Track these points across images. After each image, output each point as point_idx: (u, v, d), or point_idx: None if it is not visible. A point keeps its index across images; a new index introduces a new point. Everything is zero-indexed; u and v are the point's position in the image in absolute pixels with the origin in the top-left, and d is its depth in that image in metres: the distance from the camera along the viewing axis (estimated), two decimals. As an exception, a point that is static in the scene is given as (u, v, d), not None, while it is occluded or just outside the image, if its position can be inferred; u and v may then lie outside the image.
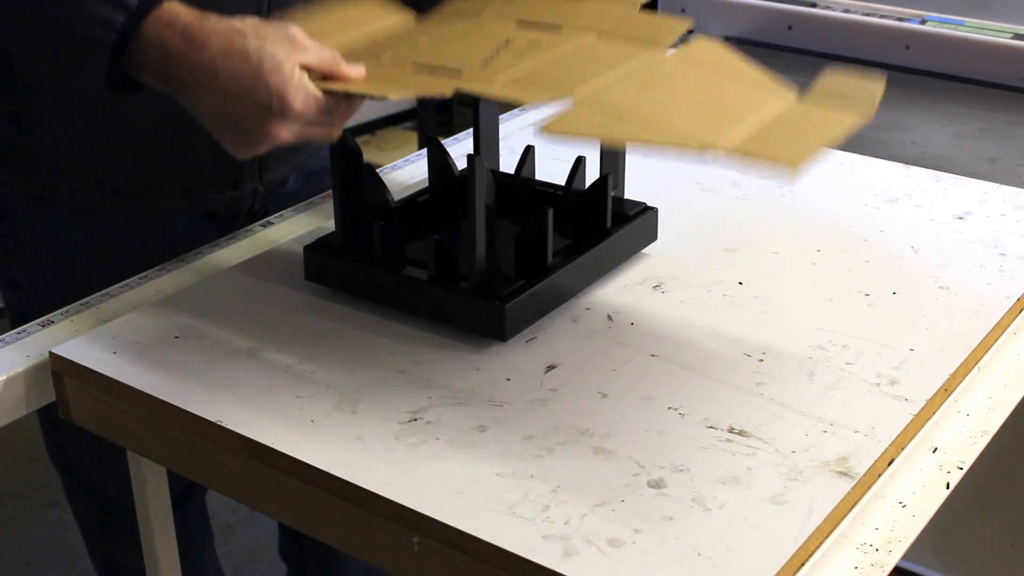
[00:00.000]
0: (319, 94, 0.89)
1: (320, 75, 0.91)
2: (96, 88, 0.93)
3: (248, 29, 0.89)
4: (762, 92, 0.98)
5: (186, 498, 1.41)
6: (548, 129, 0.88)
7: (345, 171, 1.04)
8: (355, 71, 0.92)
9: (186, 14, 0.90)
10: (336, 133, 0.94)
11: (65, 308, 1.08)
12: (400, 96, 0.93)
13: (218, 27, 0.89)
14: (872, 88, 0.97)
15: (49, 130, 1.13)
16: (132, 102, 1.00)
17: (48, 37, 0.92)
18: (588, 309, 1.04)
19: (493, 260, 1.00)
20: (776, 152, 0.86)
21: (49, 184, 1.17)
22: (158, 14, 0.89)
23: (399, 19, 1.08)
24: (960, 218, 1.22)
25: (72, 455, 1.34)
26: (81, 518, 1.42)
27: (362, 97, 0.93)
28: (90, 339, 1.00)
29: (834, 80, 0.99)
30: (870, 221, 1.21)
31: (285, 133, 0.89)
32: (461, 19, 1.02)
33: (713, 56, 1.03)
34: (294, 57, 0.88)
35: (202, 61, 0.88)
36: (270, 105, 0.87)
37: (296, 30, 0.91)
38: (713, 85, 0.98)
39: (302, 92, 0.88)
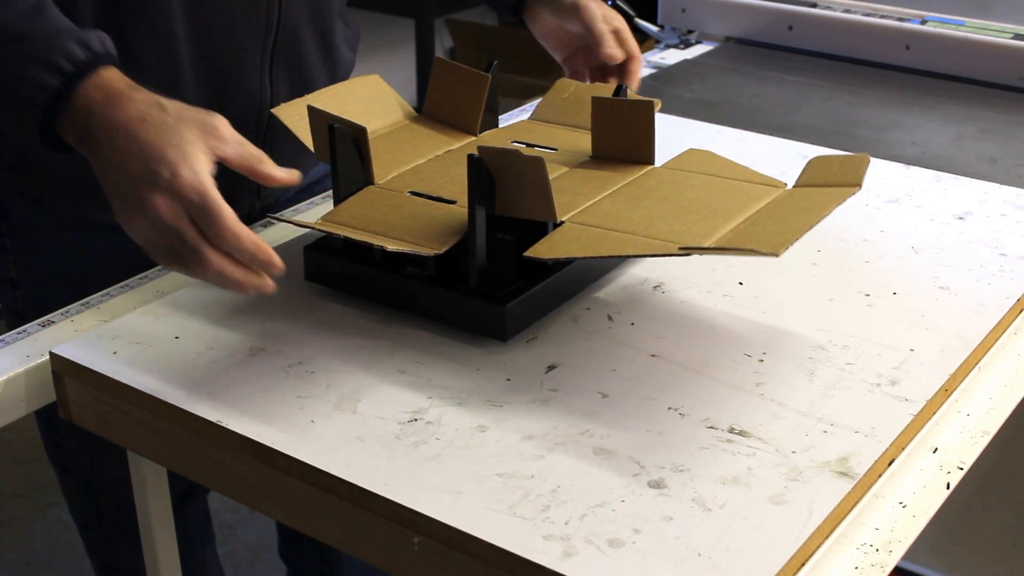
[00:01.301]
0: (207, 188, 0.87)
1: (240, 169, 0.91)
2: (31, 144, 0.93)
3: (171, 107, 0.90)
4: (753, 187, 1.01)
5: (188, 498, 1.41)
6: (533, 254, 0.94)
7: (345, 171, 1.04)
8: (279, 173, 0.92)
9: (119, 80, 0.91)
10: (210, 258, 0.87)
11: (65, 308, 1.08)
12: (394, 248, 0.95)
13: (144, 97, 0.90)
14: (858, 162, 1.00)
15: None
16: None
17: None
18: (588, 309, 1.04)
19: (493, 260, 1.00)
20: (759, 241, 0.90)
21: (45, 192, 1.17)
22: (93, 79, 0.91)
23: (396, 116, 1.14)
24: (960, 218, 1.22)
25: (69, 453, 1.34)
26: (79, 516, 1.42)
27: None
28: (90, 339, 1.00)
29: (820, 164, 1.02)
30: (870, 221, 1.21)
31: (163, 206, 0.86)
32: (456, 137, 1.04)
33: (704, 162, 1.07)
34: (207, 143, 0.89)
35: (117, 121, 0.89)
36: (158, 174, 0.86)
37: (222, 122, 0.91)
38: (701, 187, 1.04)
39: (193, 176, 0.86)
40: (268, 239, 1.19)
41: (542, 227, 0.99)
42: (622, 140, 1.09)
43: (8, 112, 0.93)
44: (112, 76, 0.92)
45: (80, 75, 0.91)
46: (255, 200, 1.24)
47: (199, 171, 0.87)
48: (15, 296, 1.25)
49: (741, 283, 1.08)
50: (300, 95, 1.12)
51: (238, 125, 0.94)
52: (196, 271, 0.88)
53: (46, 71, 0.90)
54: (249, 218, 1.26)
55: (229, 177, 0.95)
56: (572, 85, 1.23)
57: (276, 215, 1.13)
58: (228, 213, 0.87)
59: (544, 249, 0.95)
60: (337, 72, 1.28)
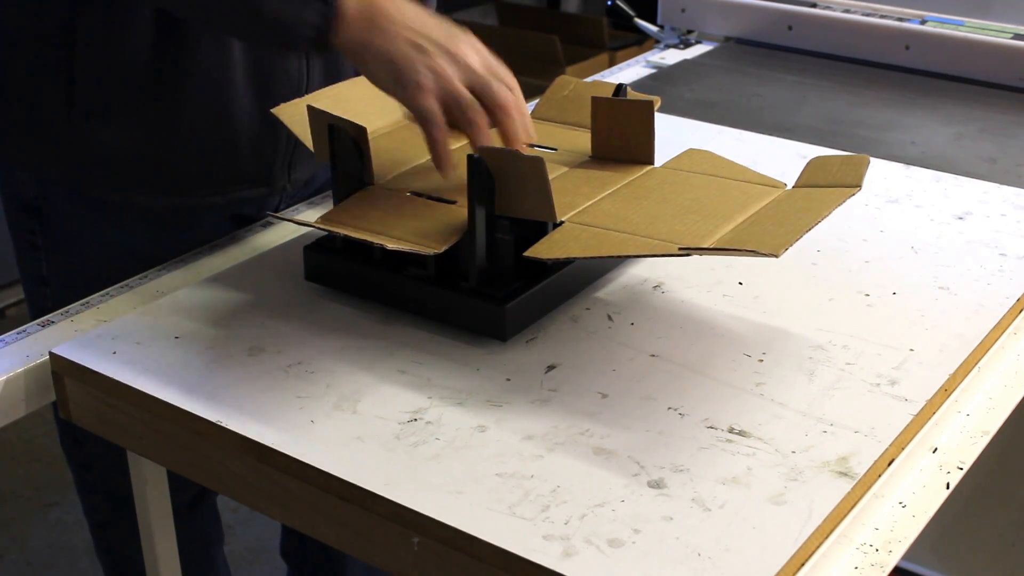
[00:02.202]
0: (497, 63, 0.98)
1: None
2: (298, 49, 1.02)
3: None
4: (752, 187, 1.02)
5: (202, 497, 1.41)
6: (533, 254, 0.94)
7: (345, 170, 1.04)
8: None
9: None
10: (478, 133, 0.98)
11: (65, 308, 1.08)
12: (394, 247, 0.95)
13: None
14: (858, 163, 1.01)
15: (103, 123, 1.14)
16: (185, 97, 1.10)
17: (269, 26, 0.98)
18: (588, 309, 1.04)
19: (493, 260, 1.00)
20: (759, 242, 0.90)
21: (93, 178, 1.17)
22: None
23: (396, 116, 1.14)
24: (960, 218, 1.22)
25: (89, 450, 1.34)
26: (94, 515, 1.42)
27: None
28: (90, 339, 1.00)
29: (820, 164, 1.03)
30: (870, 221, 1.21)
31: (457, 66, 0.97)
32: (456, 137, 1.05)
33: (704, 162, 1.08)
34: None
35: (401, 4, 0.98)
36: (458, 37, 0.97)
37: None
38: (701, 187, 1.04)
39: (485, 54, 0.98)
40: (268, 239, 1.19)
41: (542, 227, 0.99)
42: (621, 140, 1.09)
43: (266, 36, 1.00)
44: None
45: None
46: (286, 182, 1.24)
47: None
48: (44, 294, 1.26)
49: (741, 283, 1.08)
50: (332, 80, 1.15)
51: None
52: (473, 128, 0.97)
53: (309, 2, 0.95)
54: (281, 199, 1.28)
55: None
56: (571, 83, 1.23)
57: (276, 214, 1.13)
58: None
59: (544, 249, 0.95)
60: None
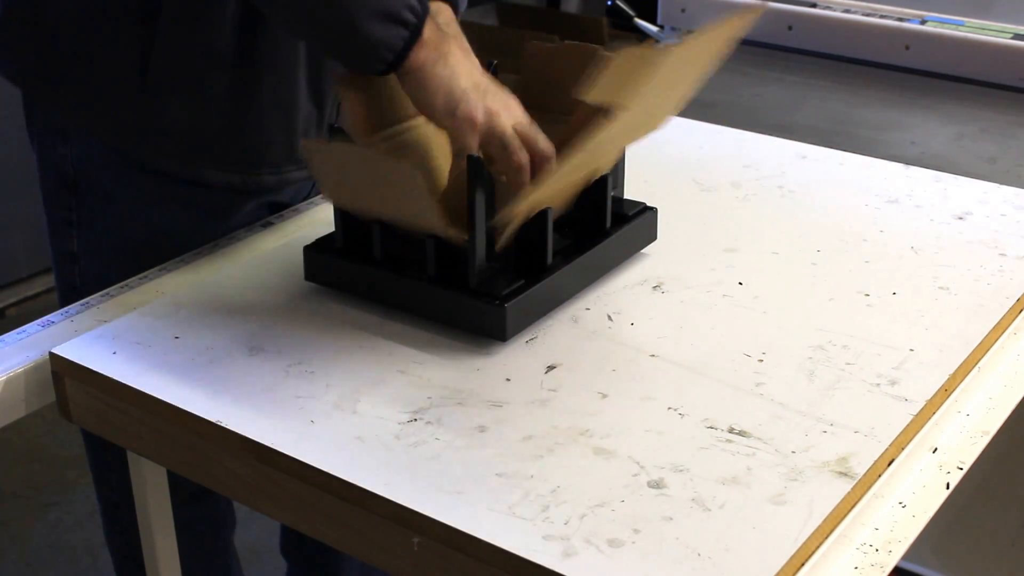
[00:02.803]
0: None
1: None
2: (369, 66, 1.02)
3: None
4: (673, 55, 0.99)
5: None
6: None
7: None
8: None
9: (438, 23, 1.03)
10: (521, 175, 1.01)
11: (65, 308, 1.08)
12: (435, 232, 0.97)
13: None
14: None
15: (173, 97, 1.15)
16: (256, 79, 1.15)
17: (347, 41, 1.01)
18: (588, 309, 1.04)
19: (493, 260, 1.00)
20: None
21: (158, 149, 1.18)
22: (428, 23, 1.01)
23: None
24: (960, 218, 1.22)
25: None
26: (110, 496, 1.40)
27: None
28: (90, 339, 1.00)
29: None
30: (870, 221, 1.21)
31: (504, 115, 1.02)
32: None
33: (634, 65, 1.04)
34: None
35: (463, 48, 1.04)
36: (510, 93, 1.04)
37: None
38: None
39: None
40: (268, 239, 1.19)
41: (542, 227, 1.00)
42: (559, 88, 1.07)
43: (350, 54, 1.02)
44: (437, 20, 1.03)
45: (420, 24, 0.99)
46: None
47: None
48: (73, 271, 1.26)
49: (741, 283, 1.08)
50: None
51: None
52: (508, 165, 1.00)
53: (397, 26, 0.98)
54: (312, 188, 1.31)
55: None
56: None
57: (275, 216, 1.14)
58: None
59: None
60: None
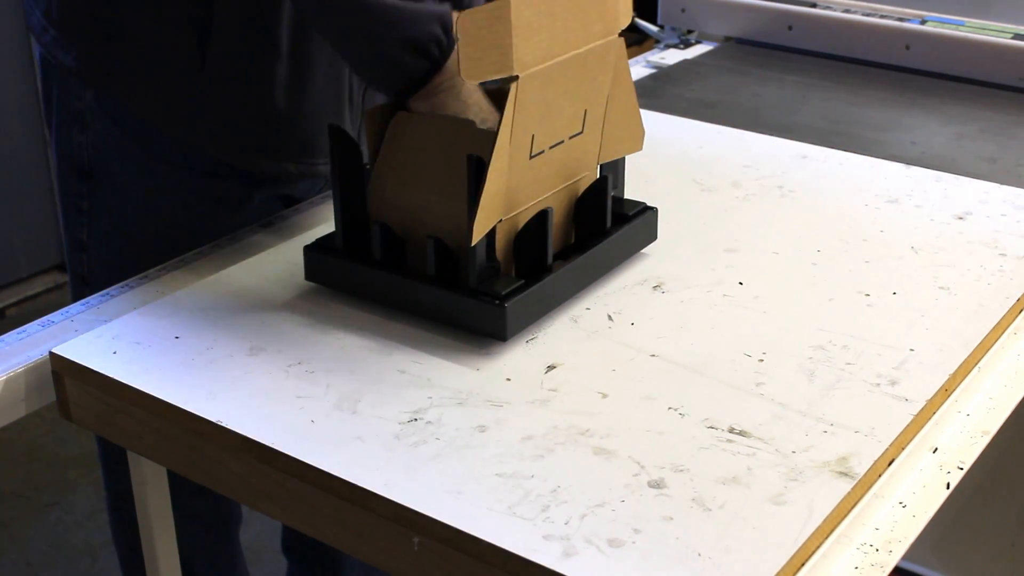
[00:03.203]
0: None
1: None
2: (387, 89, 1.05)
3: None
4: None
5: None
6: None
7: (345, 171, 1.04)
8: None
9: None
10: None
11: (65, 308, 1.08)
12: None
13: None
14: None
15: (232, 85, 1.17)
16: (310, 72, 1.18)
17: (390, 32, 1.01)
18: (588, 309, 1.04)
19: (493, 260, 1.00)
20: None
21: (209, 136, 1.19)
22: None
23: None
24: (960, 218, 1.22)
25: None
26: (114, 485, 1.40)
27: None
28: (90, 339, 1.00)
29: None
30: (870, 221, 1.21)
31: None
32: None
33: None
34: None
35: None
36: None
37: None
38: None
39: None
40: (268, 239, 1.19)
41: (541, 227, 1.00)
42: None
43: (392, 56, 1.02)
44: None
45: (442, 59, 1.02)
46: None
47: None
48: (81, 260, 1.27)
49: (741, 283, 1.08)
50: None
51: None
52: None
53: (421, 57, 1.01)
54: (325, 184, 1.32)
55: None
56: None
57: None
58: None
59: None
60: None
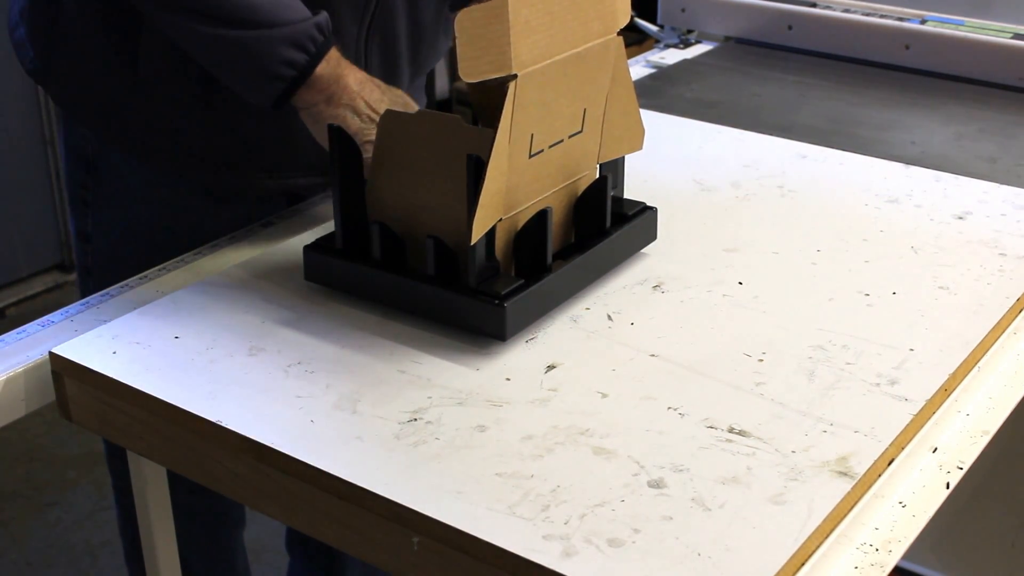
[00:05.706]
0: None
1: None
2: (259, 104, 1.08)
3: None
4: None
5: None
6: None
7: (345, 171, 1.04)
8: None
9: (336, 53, 1.08)
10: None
11: (65, 308, 1.08)
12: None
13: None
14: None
15: (169, 98, 1.16)
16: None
17: (238, 62, 1.06)
18: (588, 309, 1.04)
19: (493, 260, 1.00)
20: None
21: (155, 148, 1.19)
22: (327, 56, 1.06)
23: None
24: (960, 218, 1.22)
25: None
26: (120, 481, 1.40)
27: None
28: (90, 339, 1.00)
29: None
30: (870, 221, 1.21)
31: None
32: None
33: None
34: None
35: (359, 76, 1.10)
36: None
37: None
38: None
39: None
40: (268, 239, 1.19)
41: (541, 226, 1.00)
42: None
43: (247, 81, 1.07)
44: (335, 52, 1.08)
45: (320, 54, 1.06)
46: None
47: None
48: (86, 251, 1.27)
49: (741, 283, 1.08)
50: (391, 68, 1.20)
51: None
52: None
53: (297, 51, 1.05)
54: (325, 190, 1.31)
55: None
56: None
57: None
58: None
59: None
60: (420, 51, 1.29)
